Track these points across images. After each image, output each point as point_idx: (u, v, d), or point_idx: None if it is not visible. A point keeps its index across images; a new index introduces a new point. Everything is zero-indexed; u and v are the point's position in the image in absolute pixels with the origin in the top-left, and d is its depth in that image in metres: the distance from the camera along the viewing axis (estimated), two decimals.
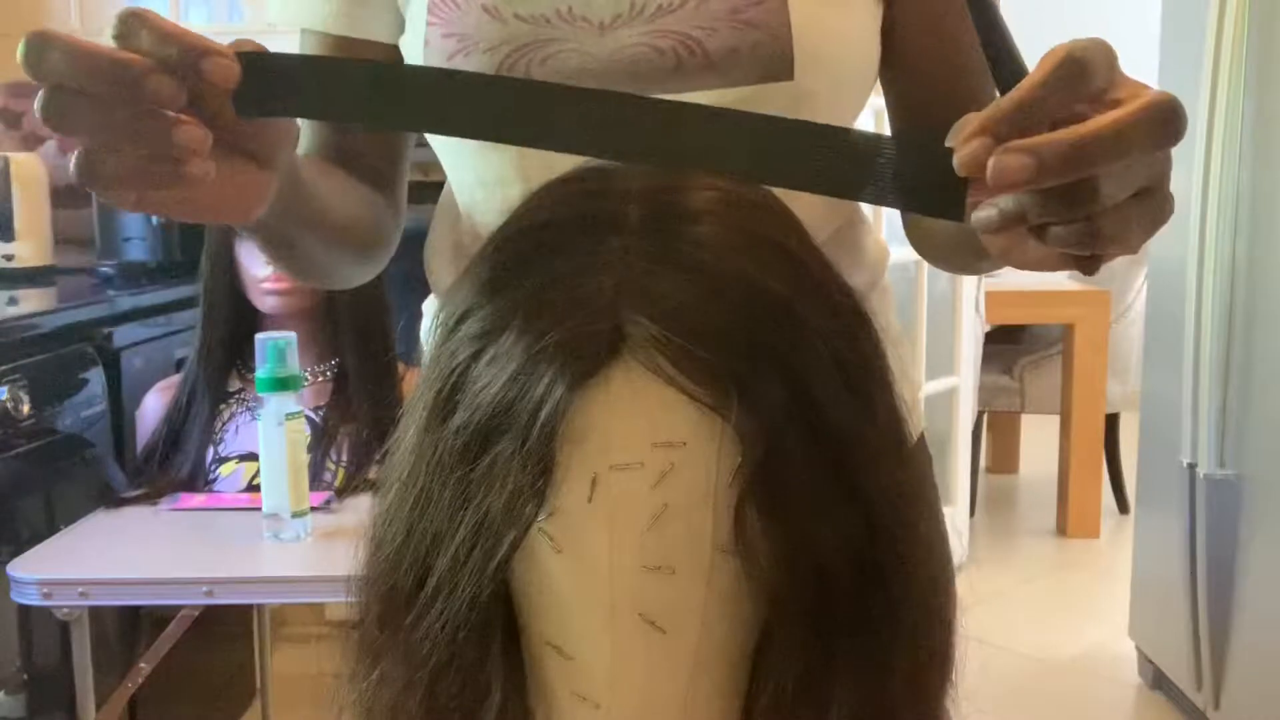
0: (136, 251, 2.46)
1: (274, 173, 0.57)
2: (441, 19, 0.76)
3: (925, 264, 3.09)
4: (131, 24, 0.49)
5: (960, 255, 0.81)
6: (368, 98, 0.53)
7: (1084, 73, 0.47)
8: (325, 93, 0.53)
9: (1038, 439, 4.14)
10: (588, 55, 0.74)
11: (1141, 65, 0.58)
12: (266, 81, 0.51)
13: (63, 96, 0.49)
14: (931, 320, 3.10)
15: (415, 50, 0.78)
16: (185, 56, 0.49)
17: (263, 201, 0.58)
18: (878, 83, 0.86)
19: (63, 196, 2.61)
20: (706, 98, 0.72)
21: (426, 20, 0.77)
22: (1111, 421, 3.69)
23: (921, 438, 0.89)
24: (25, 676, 1.70)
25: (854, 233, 0.88)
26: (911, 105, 0.85)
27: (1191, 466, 2.22)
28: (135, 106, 0.48)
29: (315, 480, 1.56)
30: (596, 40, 0.74)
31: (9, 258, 2.41)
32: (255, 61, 0.50)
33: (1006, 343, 3.84)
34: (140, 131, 0.49)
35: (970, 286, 3.21)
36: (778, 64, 0.74)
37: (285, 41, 2.69)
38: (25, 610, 1.58)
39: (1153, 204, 0.50)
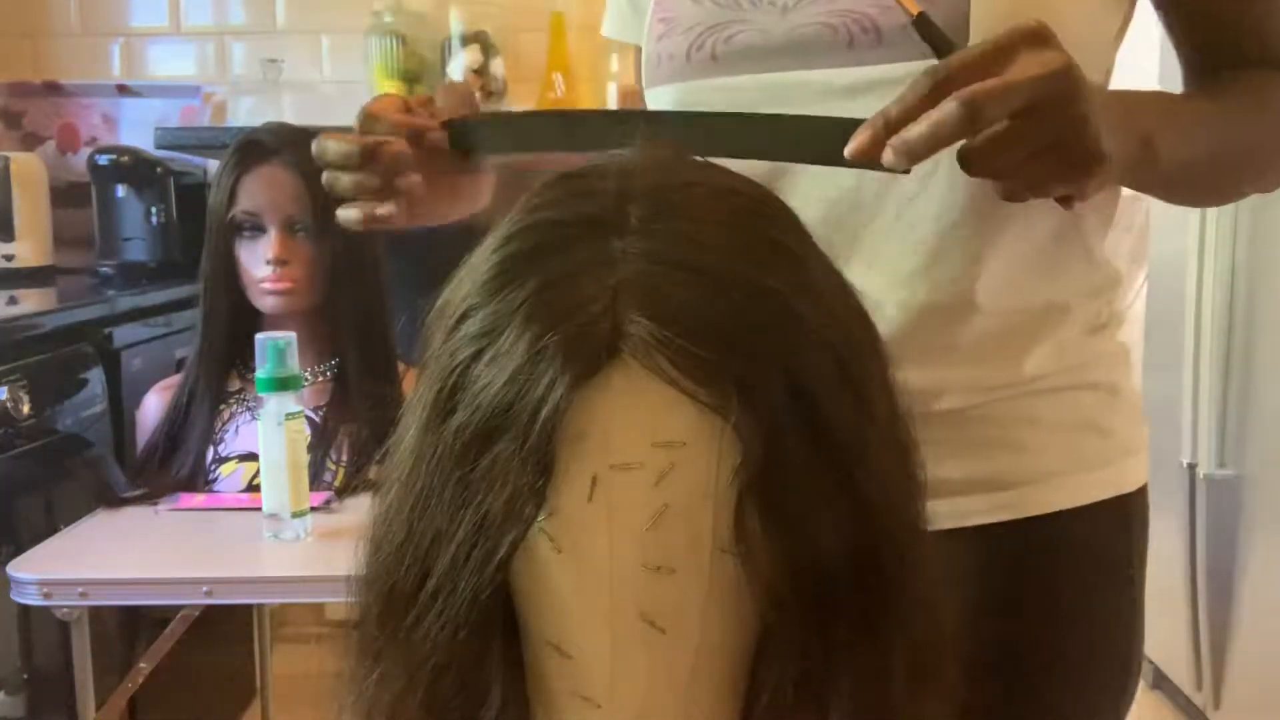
0: (136, 251, 2.46)
1: (483, 175, 0.85)
2: (661, 6, 0.86)
3: None
4: (370, 121, 0.78)
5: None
6: (539, 136, 0.79)
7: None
8: (512, 136, 0.81)
9: None
10: (766, 34, 0.80)
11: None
12: (468, 134, 0.79)
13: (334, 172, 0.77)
14: None
15: (643, 35, 0.89)
16: (413, 133, 0.77)
17: (476, 200, 0.86)
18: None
19: (63, 196, 2.61)
20: (877, 71, 0.76)
21: (651, 9, 0.86)
22: None
23: (1142, 490, 0.87)
24: (25, 676, 1.70)
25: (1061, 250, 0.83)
26: (1195, 42, 0.85)
27: (1191, 466, 2.22)
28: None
29: (315, 480, 1.56)
30: (778, 20, 0.79)
31: (9, 258, 2.41)
32: (457, 124, 0.79)
33: None
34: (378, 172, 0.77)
35: None
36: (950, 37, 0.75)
37: (288, 43, 2.70)
38: (25, 610, 1.58)
39: (1065, 155, 0.62)
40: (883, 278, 0.78)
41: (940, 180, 0.77)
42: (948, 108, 0.59)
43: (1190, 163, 0.78)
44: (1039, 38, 0.61)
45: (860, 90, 0.76)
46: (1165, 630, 2.45)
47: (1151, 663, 2.61)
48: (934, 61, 0.62)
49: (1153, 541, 0.89)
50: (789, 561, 0.51)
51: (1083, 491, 0.83)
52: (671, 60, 0.84)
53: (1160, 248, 2.61)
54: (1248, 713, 2.16)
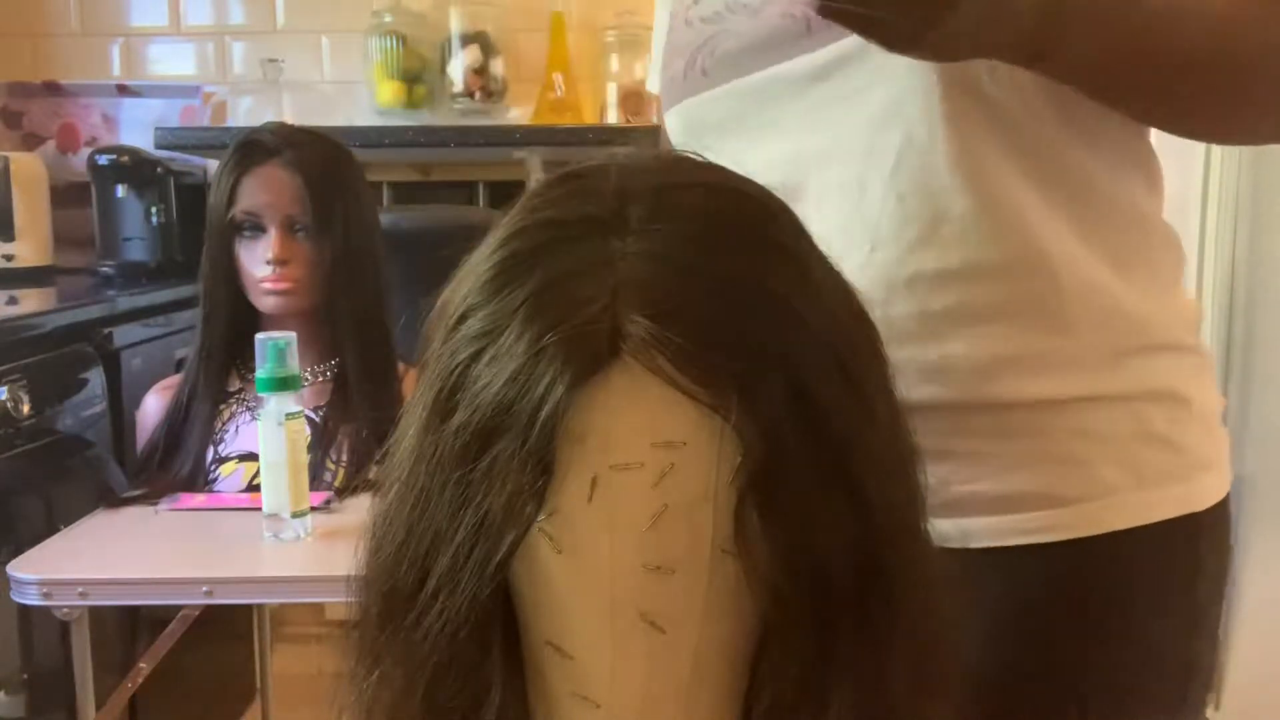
0: (136, 251, 2.46)
1: None
2: (667, 39, 0.89)
3: None
4: None
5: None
6: None
7: None
8: None
9: None
10: (741, 37, 0.81)
11: None
12: None
13: None
14: None
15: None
16: None
17: None
18: None
19: (63, 196, 2.61)
20: (835, 50, 0.75)
21: (662, 43, 0.89)
22: None
23: (1217, 507, 0.79)
24: (25, 676, 1.70)
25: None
26: None
27: None
28: None
29: (315, 480, 1.56)
30: (750, 22, 0.80)
31: (9, 258, 2.41)
32: None
33: None
34: None
35: None
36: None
37: (288, 43, 2.71)
38: (25, 610, 1.58)
39: None
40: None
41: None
42: None
43: (1161, 51, 0.67)
44: None
45: (823, 72, 0.76)
46: None
47: None
48: None
49: None
50: (789, 561, 0.51)
51: (1143, 510, 0.76)
52: (673, 83, 0.86)
53: None
54: (1248, 713, 2.15)
